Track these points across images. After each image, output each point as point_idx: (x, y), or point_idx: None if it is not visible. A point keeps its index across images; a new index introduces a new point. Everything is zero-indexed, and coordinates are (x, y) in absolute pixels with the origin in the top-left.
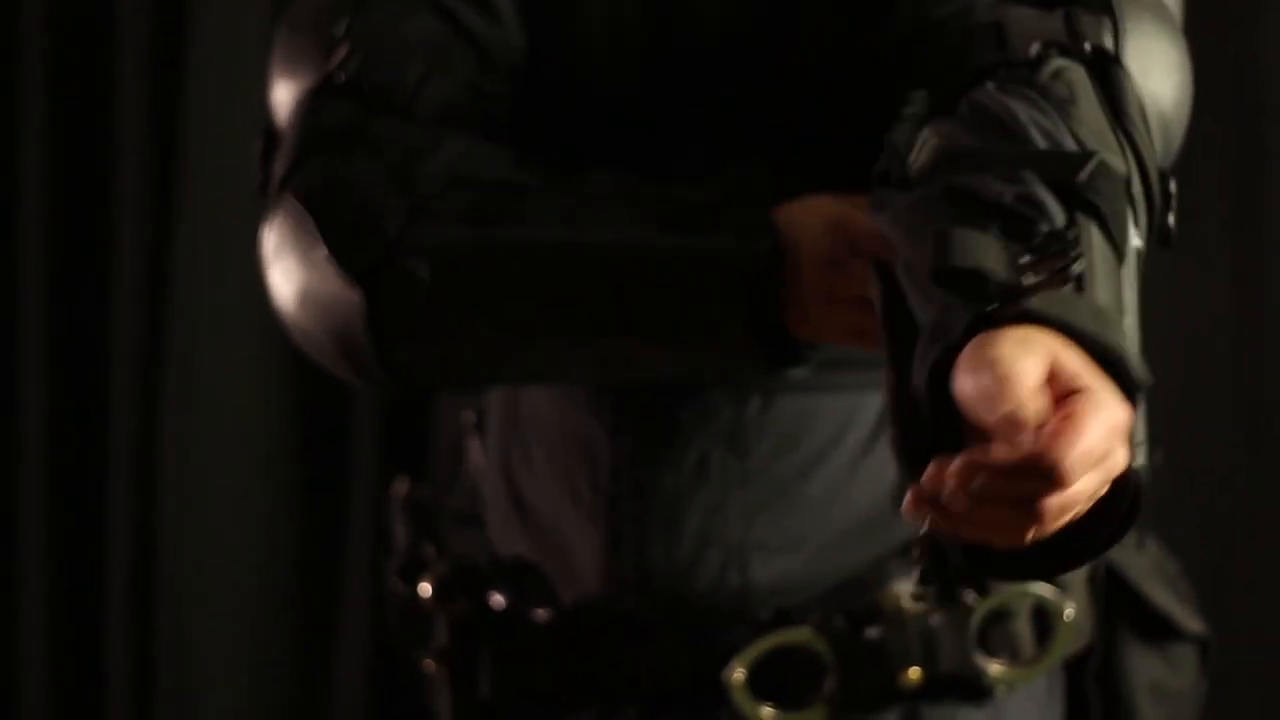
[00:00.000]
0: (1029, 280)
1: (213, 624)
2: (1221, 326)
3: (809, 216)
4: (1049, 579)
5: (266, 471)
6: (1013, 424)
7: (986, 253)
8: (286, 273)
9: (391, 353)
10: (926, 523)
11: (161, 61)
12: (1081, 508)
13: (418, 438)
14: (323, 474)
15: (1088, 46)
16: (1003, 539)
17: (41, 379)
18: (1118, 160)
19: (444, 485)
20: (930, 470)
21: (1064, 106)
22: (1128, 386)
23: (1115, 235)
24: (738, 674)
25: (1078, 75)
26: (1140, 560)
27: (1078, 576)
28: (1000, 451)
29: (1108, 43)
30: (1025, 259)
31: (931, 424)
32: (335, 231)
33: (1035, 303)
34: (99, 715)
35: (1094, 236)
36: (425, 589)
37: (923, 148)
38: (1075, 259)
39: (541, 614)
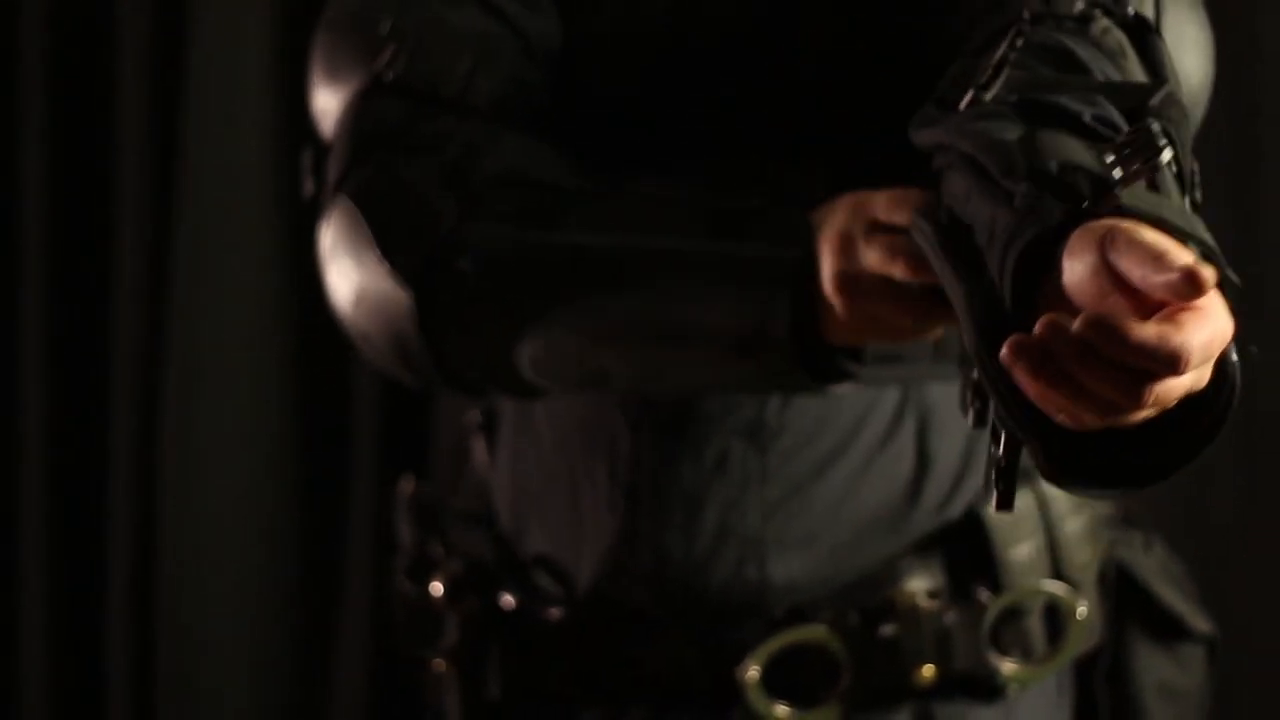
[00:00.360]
0: (1120, 174)
1: (213, 624)
2: None
3: (833, 208)
4: (1125, 486)
5: (266, 471)
6: (1195, 279)
7: (1076, 150)
8: (342, 273)
9: (442, 352)
10: (1018, 375)
11: (161, 61)
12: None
13: (418, 438)
14: (323, 474)
15: (1131, 11)
16: (1086, 413)
17: (41, 379)
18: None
19: (448, 485)
20: (1044, 322)
21: (1115, 58)
22: (1222, 284)
23: (1182, 163)
24: (752, 672)
25: (1123, 37)
26: (1149, 561)
27: (1088, 575)
28: (1133, 325)
29: (1149, 11)
30: (1111, 157)
31: (1014, 321)
32: (386, 231)
33: (1128, 198)
34: (99, 716)
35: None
36: (436, 588)
37: (988, 72)
38: (1160, 152)
39: (552, 613)
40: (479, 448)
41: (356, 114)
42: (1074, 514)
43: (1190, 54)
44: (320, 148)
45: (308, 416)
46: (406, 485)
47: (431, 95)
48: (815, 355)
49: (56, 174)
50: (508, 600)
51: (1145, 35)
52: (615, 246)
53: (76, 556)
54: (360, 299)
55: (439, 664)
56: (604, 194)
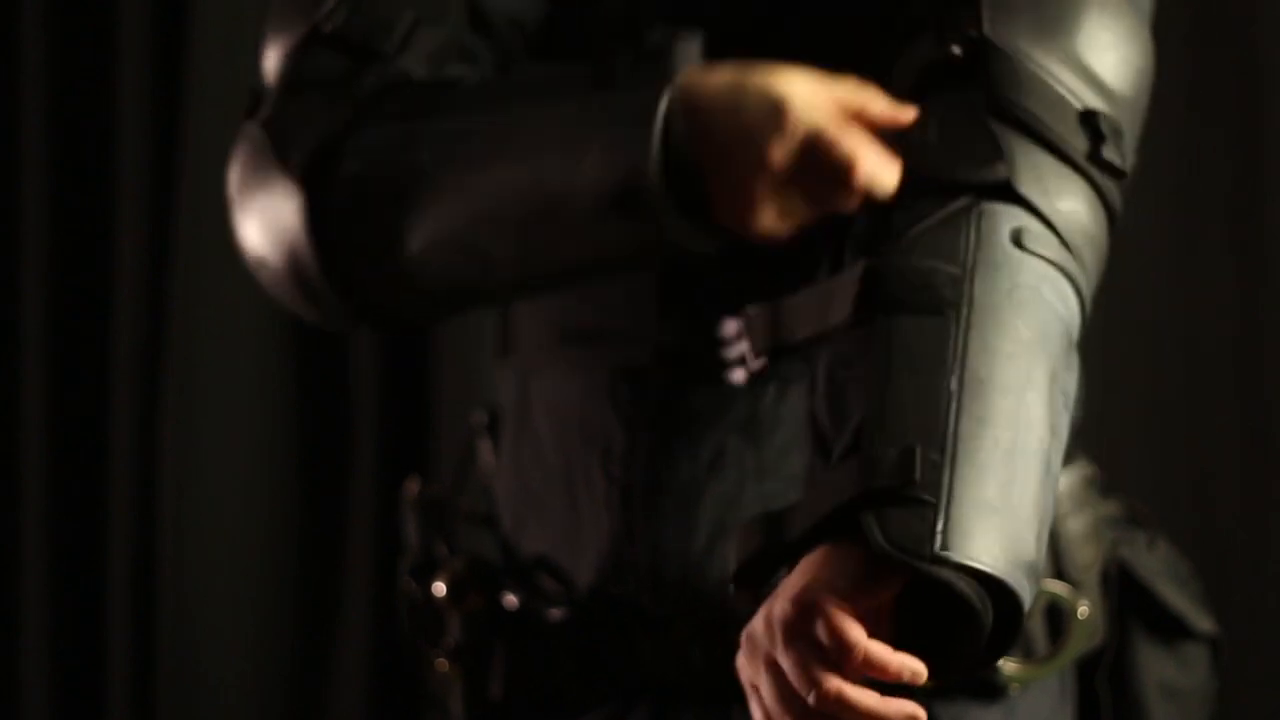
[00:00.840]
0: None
1: (212, 624)
2: (1223, 327)
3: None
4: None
5: (266, 471)
6: None
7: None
8: (244, 202)
9: (334, 260)
10: None
11: (161, 60)
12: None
13: (418, 438)
14: (323, 474)
15: (956, 49)
16: None
17: (41, 378)
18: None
19: (454, 486)
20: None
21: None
22: None
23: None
24: None
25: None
26: (1152, 559)
27: (1091, 575)
28: None
29: (972, 31)
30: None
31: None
32: (283, 145)
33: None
34: (100, 716)
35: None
36: (439, 588)
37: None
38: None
39: (554, 613)
40: (485, 448)
41: (292, 62)
42: (1076, 514)
43: (1109, 53)
44: (256, 97)
45: (308, 416)
46: (413, 486)
47: (367, 49)
48: (690, 204)
49: (56, 174)
50: (510, 600)
51: (988, 55)
52: (490, 123)
53: (76, 556)
54: (259, 221)
55: (442, 663)
56: (489, 80)
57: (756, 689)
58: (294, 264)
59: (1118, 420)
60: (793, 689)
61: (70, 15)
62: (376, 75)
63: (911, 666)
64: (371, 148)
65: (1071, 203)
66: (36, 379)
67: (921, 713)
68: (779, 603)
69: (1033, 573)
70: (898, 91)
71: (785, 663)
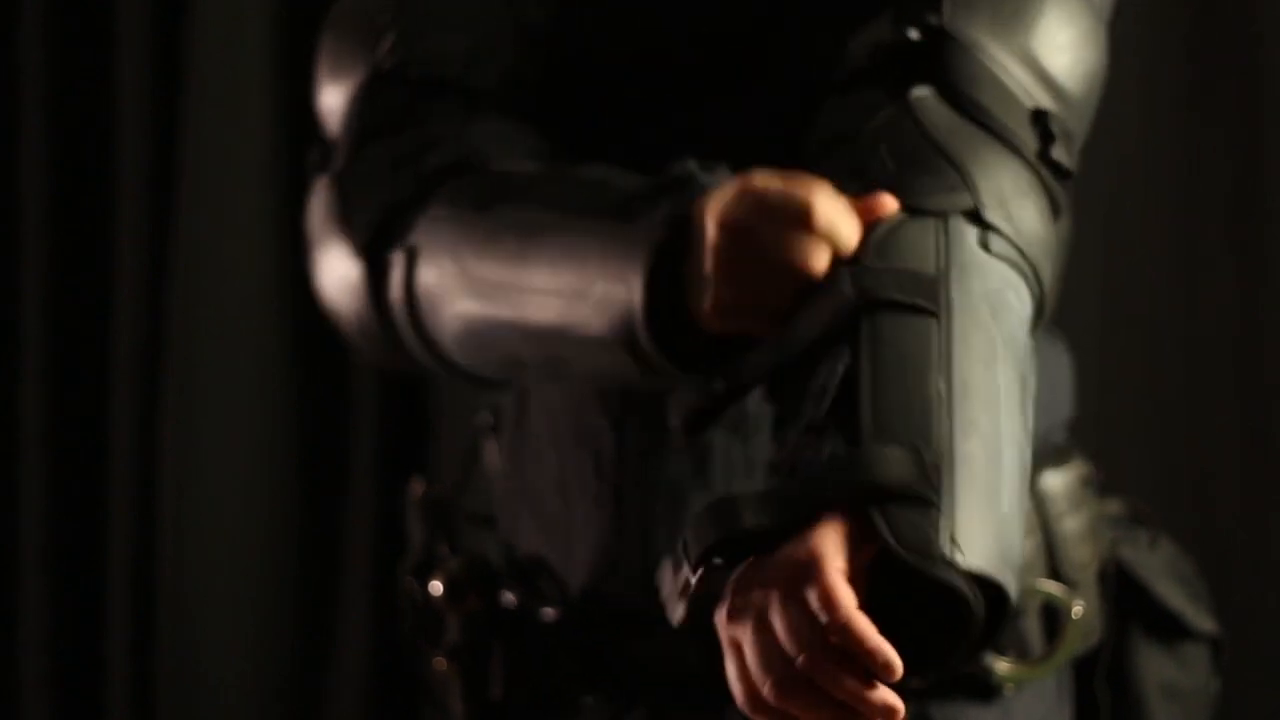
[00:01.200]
0: None
1: (212, 624)
2: (1223, 327)
3: (725, 188)
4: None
5: (267, 471)
6: None
7: None
8: (318, 255)
9: (394, 327)
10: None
11: (161, 60)
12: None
13: (418, 438)
14: (323, 474)
15: (913, 34)
16: None
17: (41, 378)
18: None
19: (458, 486)
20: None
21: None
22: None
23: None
24: None
25: (894, 127)
26: (1152, 559)
27: (1088, 574)
28: None
29: (932, 19)
30: None
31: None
32: (349, 209)
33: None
34: (99, 715)
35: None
36: (436, 587)
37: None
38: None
39: (551, 613)
40: (490, 449)
41: (357, 109)
42: (1072, 512)
43: (1064, 54)
44: (325, 147)
45: (308, 416)
46: (417, 486)
47: (431, 79)
48: (679, 338)
49: (56, 174)
50: (509, 599)
51: (944, 45)
52: (524, 241)
53: (76, 556)
54: (329, 274)
55: (441, 663)
56: (535, 186)
57: (737, 646)
58: (359, 322)
59: (1118, 419)
60: (779, 650)
61: (70, 15)
62: (440, 153)
63: (889, 655)
64: (427, 243)
65: (1026, 209)
66: (36, 379)
67: (900, 706)
68: (779, 561)
69: (1018, 573)
70: (849, 71)
71: (778, 621)
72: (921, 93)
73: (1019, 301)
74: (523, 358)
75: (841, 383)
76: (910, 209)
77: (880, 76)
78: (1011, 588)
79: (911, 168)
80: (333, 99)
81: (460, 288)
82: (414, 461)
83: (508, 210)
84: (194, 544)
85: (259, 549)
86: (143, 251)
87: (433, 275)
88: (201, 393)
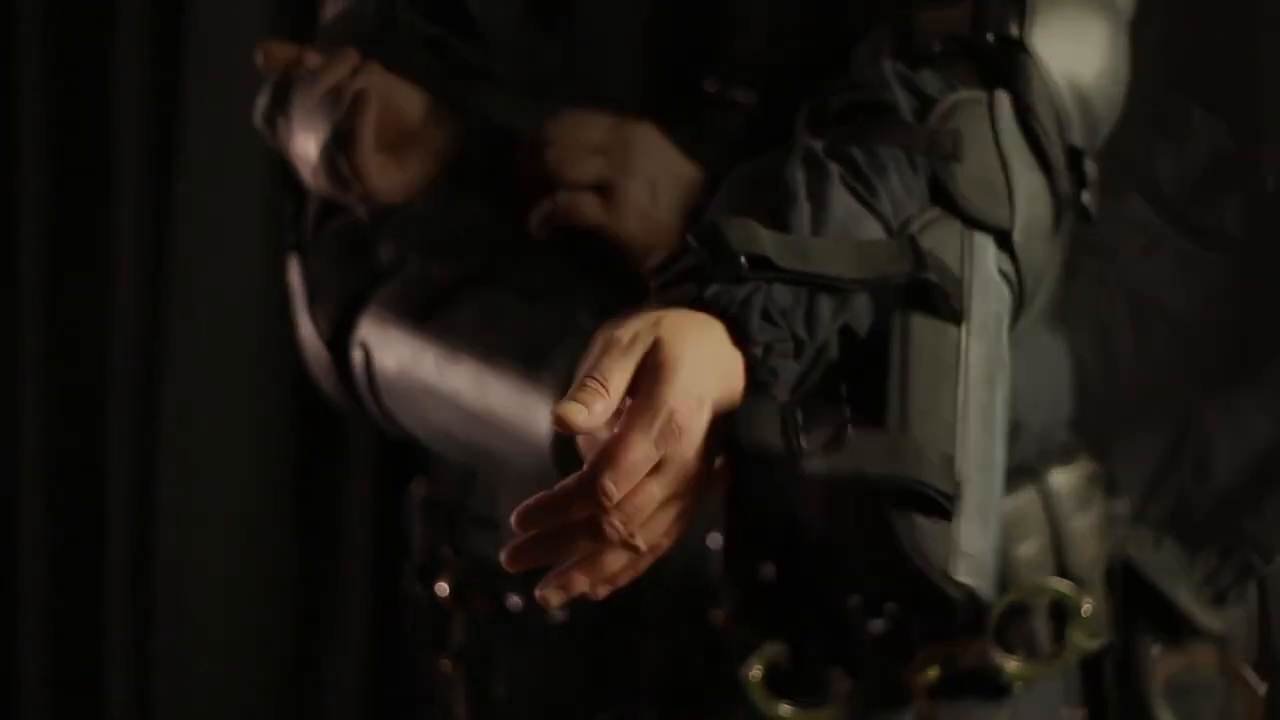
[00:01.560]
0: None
1: (210, 625)
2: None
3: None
4: None
5: (266, 471)
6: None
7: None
8: (297, 319)
9: (363, 404)
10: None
11: (161, 60)
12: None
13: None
14: (322, 474)
15: (990, 37)
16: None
17: (41, 378)
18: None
19: (460, 487)
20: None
21: (945, 163)
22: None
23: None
24: (755, 671)
25: (969, 112)
26: (1159, 558)
27: (1095, 573)
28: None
29: (1013, 29)
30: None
31: None
32: (313, 293)
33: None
34: (100, 714)
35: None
36: (442, 589)
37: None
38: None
39: (558, 614)
40: None
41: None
42: (1080, 511)
43: (1076, 52)
44: (300, 197)
45: (306, 416)
46: (419, 488)
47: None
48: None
49: (56, 173)
50: (514, 601)
51: (1013, 56)
52: (446, 353)
53: (75, 556)
54: (307, 346)
55: (446, 665)
56: (476, 314)
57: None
58: (334, 395)
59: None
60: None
61: (69, 15)
62: (389, 250)
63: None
64: (376, 342)
65: (1040, 246)
66: (36, 378)
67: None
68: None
69: (994, 587)
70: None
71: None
72: (1003, 96)
73: (1003, 328)
74: (489, 449)
75: (869, 359)
76: (953, 206)
77: (952, 64)
78: (990, 600)
79: (972, 164)
80: (305, 145)
81: (408, 388)
82: (414, 462)
83: (433, 330)
84: (192, 545)
85: (257, 550)
86: (142, 251)
87: (388, 370)
88: (200, 393)
